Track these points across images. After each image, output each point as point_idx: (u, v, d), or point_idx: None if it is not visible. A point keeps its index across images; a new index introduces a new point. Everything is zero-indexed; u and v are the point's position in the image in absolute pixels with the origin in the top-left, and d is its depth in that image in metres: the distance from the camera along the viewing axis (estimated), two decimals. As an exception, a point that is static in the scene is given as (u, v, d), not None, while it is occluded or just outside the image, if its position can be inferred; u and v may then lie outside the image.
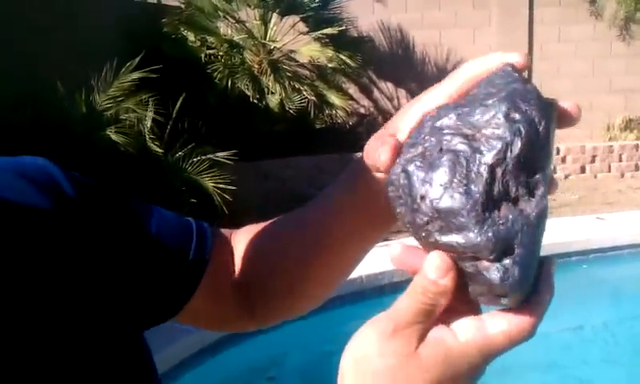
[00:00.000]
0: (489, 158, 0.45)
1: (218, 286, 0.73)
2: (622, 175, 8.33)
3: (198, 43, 7.52)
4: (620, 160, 8.38)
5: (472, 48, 8.81)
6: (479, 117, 0.46)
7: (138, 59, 5.62)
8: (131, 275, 0.65)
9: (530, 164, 0.45)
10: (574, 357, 4.31)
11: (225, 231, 0.78)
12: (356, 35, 8.48)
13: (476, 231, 0.44)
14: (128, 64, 5.59)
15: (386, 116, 8.94)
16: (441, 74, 8.87)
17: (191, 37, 7.51)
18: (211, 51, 7.52)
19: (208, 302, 0.72)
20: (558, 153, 8.29)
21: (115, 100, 5.47)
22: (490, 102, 0.47)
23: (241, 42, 7.64)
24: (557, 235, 5.47)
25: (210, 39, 7.52)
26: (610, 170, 8.35)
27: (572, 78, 8.87)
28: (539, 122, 0.46)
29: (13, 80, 5.05)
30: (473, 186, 0.44)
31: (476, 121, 0.46)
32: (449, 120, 0.48)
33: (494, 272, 0.44)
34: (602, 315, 4.98)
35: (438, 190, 0.45)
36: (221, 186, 5.52)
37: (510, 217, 0.44)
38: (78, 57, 5.81)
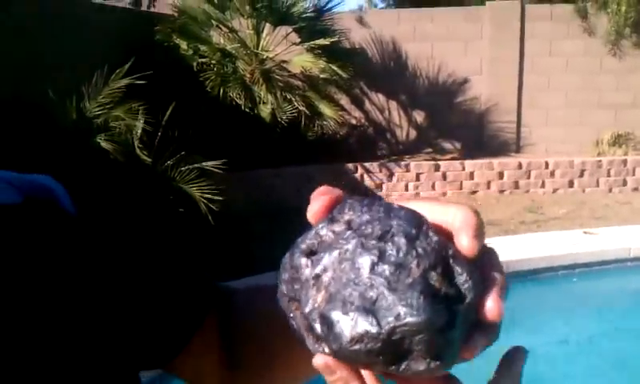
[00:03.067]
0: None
1: (207, 348, 0.73)
2: (610, 190, 8.38)
3: (191, 52, 7.53)
4: (608, 175, 8.42)
5: (464, 61, 8.87)
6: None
7: (127, 66, 5.63)
8: (125, 306, 0.64)
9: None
10: (559, 371, 4.32)
11: (228, 288, 0.78)
12: (348, 47, 8.52)
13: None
14: (118, 71, 5.59)
15: (377, 127, 8.98)
16: (432, 86, 8.93)
17: (184, 45, 7.51)
18: (203, 60, 7.53)
19: (194, 359, 0.72)
20: (546, 167, 8.34)
21: (105, 107, 5.47)
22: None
23: (233, 52, 7.66)
24: (544, 249, 5.49)
25: (203, 48, 7.53)
26: (598, 185, 8.40)
27: (562, 92, 8.93)
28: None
29: (3, 87, 5.04)
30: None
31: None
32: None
33: None
34: (587, 329, 4.99)
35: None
36: (207, 195, 5.51)
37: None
38: (70, 65, 5.81)
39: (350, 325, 0.42)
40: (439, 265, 0.44)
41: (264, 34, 7.84)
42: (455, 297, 0.43)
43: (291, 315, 0.47)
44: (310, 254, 0.47)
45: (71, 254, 0.60)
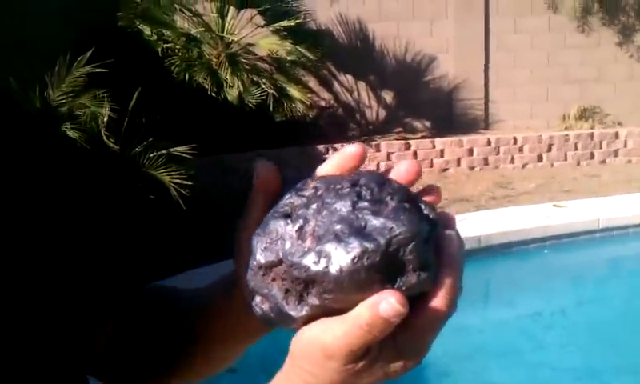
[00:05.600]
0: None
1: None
2: (578, 163, 8.49)
3: (155, 37, 7.42)
4: (576, 149, 8.53)
5: (429, 40, 8.88)
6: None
7: (89, 53, 5.52)
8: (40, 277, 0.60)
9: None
10: (533, 342, 4.38)
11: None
12: (314, 28, 8.46)
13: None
14: (80, 58, 5.48)
15: (347, 108, 8.96)
16: (399, 66, 8.93)
17: (147, 31, 7.40)
18: (168, 45, 7.42)
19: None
20: (515, 143, 8.41)
21: (69, 95, 5.37)
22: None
23: (198, 36, 7.56)
24: (515, 223, 5.55)
25: (167, 33, 7.43)
26: (566, 159, 8.50)
27: (528, 68, 9.00)
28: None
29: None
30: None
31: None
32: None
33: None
34: (559, 301, 5.07)
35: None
36: (177, 180, 5.45)
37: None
38: (32, 52, 5.68)
39: (349, 248, 0.46)
40: (410, 199, 0.49)
41: (228, 18, 7.74)
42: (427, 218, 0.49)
43: (265, 291, 0.50)
44: (286, 216, 0.50)
45: None
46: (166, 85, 6.98)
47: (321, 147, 8.03)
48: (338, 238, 0.46)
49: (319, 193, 0.50)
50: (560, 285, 5.33)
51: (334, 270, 0.46)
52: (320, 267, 0.46)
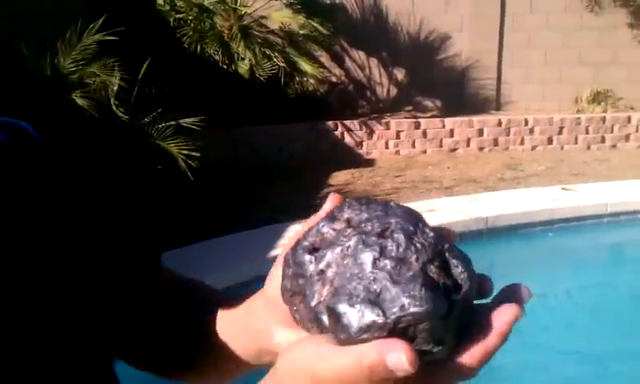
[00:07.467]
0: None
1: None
2: (589, 147, 8.44)
3: (167, 7, 7.39)
4: (587, 132, 8.47)
5: (444, 18, 8.80)
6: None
7: (100, 21, 5.50)
8: (87, 242, 0.61)
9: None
10: (538, 324, 4.38)
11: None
12: (328, 2, 8.40)
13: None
14: (91, 26, 5.47)
15: (358, 85, 8.91)
16: (413, 42, 8.86)
17: (159, 0, 7.37)
18: (180, 15, 7.39)
19: None
20: (526, 124, 8.36)
21: (79, 63, 5.36)
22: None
23: (211, 7, 7.52)
24: (523, 205, 5.53)
25: (179, 3, 7.39)
26: (576, 142, 8.45)
27: (543, 49, 8.92)
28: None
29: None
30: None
31: None
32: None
33: None
34: (565, 283, 5.07)
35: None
36: (185, 152, 5.46)
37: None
38: (42, 20, 5.67)
39: (357, 316, 0.46)
40: (436, 258, 0.48)
41: (242, -11, 7.70)
42: (452, 286, 0.47)
43: (295, 308, 0.51)
44: (313, 250, 0.50)
45: (53, 186, 0.60)
46: (177, 56, 6.97)
47: (330, 123, 8.01)
48: (351, 301, 0.46)
49: (347, 232, 0.50)
50: (566, 268, 5.32)
51: (341, 333, 0.46)
52: (329, 324, 0.47)
